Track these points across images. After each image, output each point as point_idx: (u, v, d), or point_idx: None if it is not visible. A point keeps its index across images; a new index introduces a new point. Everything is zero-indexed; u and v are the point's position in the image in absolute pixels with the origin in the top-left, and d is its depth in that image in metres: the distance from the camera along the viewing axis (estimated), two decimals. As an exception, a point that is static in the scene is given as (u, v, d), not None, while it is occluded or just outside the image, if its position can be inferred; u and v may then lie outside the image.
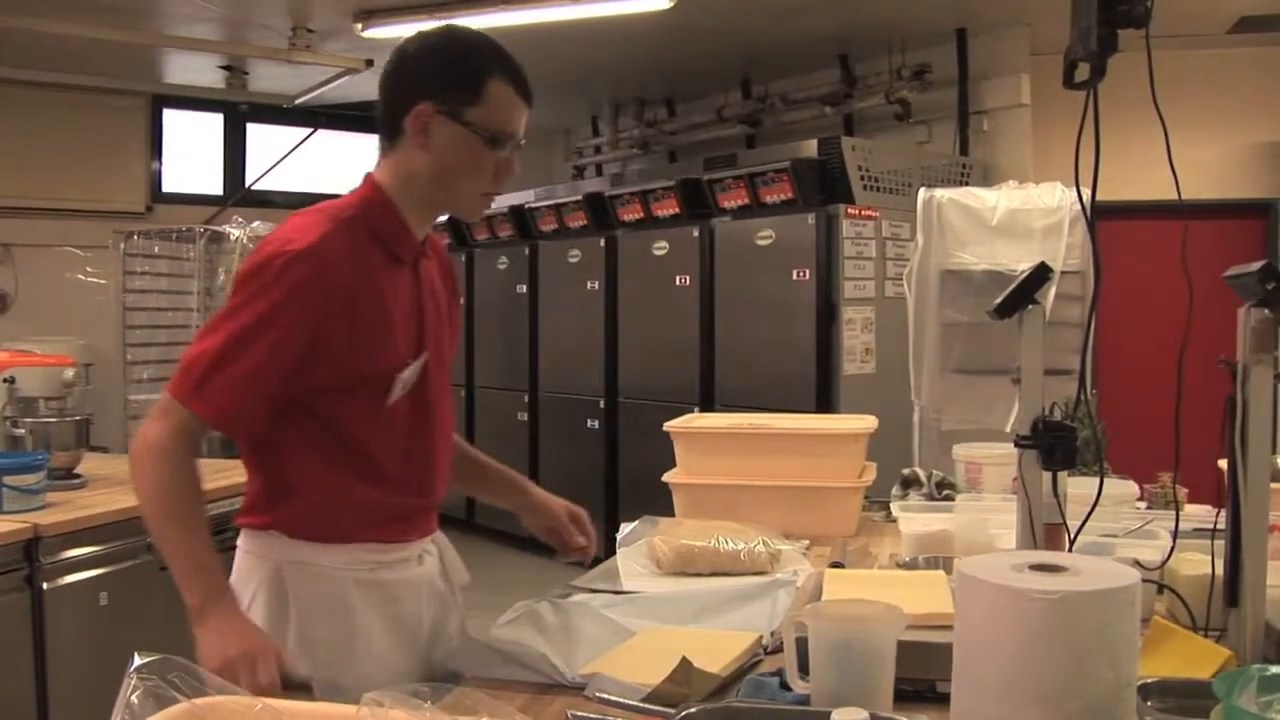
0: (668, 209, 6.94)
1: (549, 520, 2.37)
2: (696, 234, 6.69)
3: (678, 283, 6.79)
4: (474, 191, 2.00)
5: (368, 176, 2.04)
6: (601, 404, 7.38)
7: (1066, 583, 1.34)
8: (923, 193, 4.42)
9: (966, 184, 5.99)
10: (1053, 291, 3.66)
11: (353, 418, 1.95)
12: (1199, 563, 2.01)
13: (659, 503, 3.16)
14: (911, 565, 2.48)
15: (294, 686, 1.75)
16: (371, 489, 1.98)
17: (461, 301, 2.37)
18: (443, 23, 2.14)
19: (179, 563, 1.85)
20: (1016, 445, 2.02)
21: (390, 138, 1.99)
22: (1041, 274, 2.04)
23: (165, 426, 1.86)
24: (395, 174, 2.00)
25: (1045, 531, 2.03)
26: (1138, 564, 1.99)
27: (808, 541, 2.84)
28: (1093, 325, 2.26)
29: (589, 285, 7.48)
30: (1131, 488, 2.98)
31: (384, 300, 1.94)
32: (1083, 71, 1.88)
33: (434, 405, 2.07)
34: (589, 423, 7.46)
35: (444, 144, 1.93)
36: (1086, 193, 1.91)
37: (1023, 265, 2.20)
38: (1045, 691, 1.31)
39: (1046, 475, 2.03)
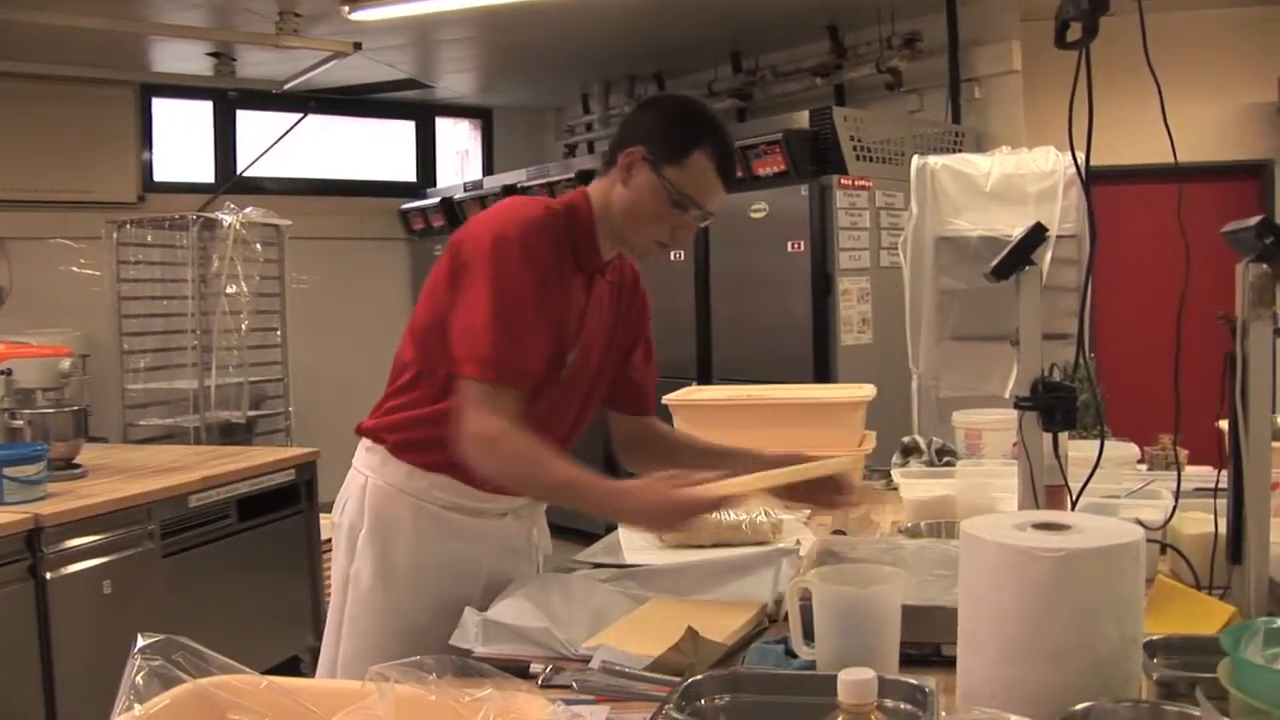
0: (660, 184, 6.91)
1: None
2: (690, 209, 6.67)
3: (672, 257, 6.77)
4: (649, 238, 2.19)
5: (581, 188, 2.24)
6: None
7: (1070, 540, 1.34)
8: (916, 160, 4.42)
9: (959, 152, 5.97)
10: (1049, 255, 3.67)
11: None
12: (1202, 521, 2.01)
13: (659, 477, 3.15)
14: (914, 531, 2.48)
15: None
16: None
17: (649, 311, 2.51)
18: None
19: (584, 502, 2.07)
20: (1016, 407, 2.02)
21: (608, 165, 2.20)
22: (1037, 234, 2.04)
23: (494, 412, 2.02)
24: (600, 195, 2.20)
25: (1047, 493, 2.03)
26: (1140, 524, 1.99)
27: (809, 511, 2.84)
28: (1089, 288, 2.26)
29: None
30: (1132, 450, 2.99)
31: (566, 286, 2.15)
32: (1074, 31, 1.88)
33: (573, 396, 2.26)
34: (587, 400, 7.45)
35: (639, 186, 2.13)
36: (1081, 155, 1.90)
37: (1018, 230, 2.19)
38: (1052, 650, 1.31)
39: (1047, 437, 2.03)
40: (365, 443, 2.29)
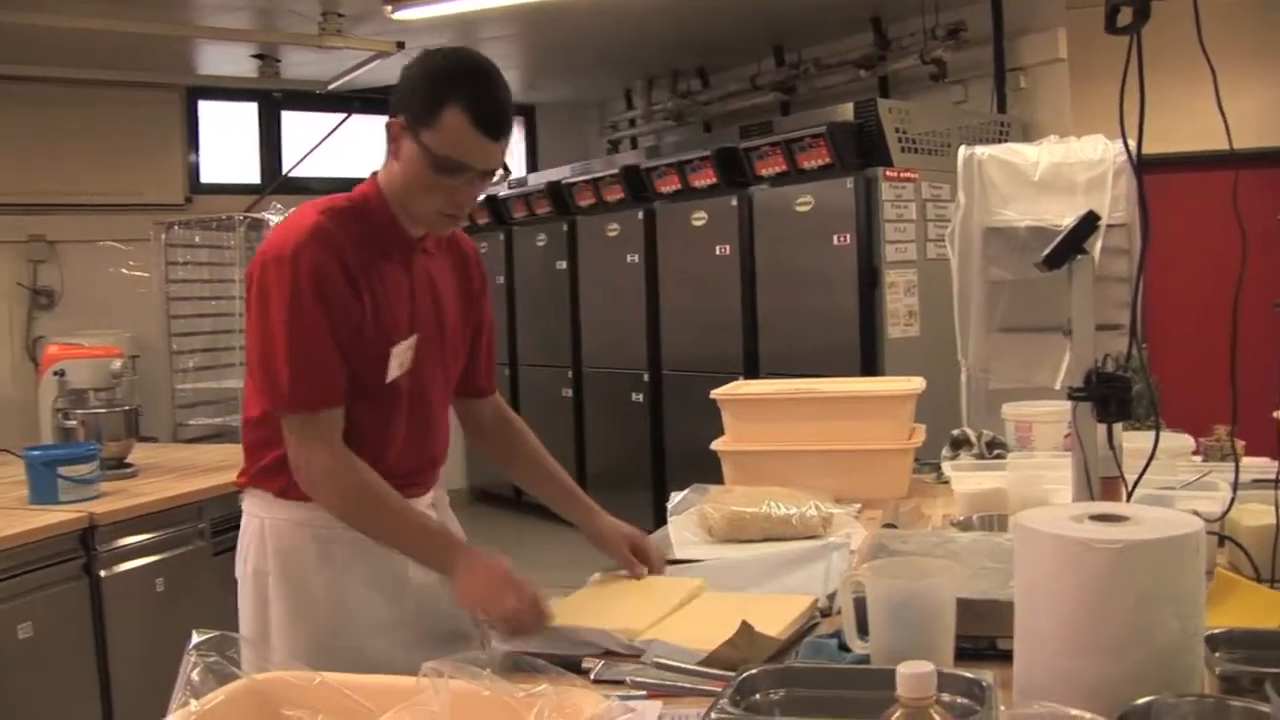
0: (705, 179, 6.91)
1: (610, 551, 2.32)
2: (735, 203, 6.65)
3: (718, 253, 6.76)
4: (430, 210, 2.07)
5: (373, 173, 2.14)
6: (645, 377, 7.37)
7: (1129, 532, 1.32)
8: (963, 150, 4.37)
9: (1005, 142, 5.92)
10: (1099, 245, 3.62)
11: (350, 394, 2.04)
12: (1261, 513, 1.98)
13: (706, 474, 3.15)
14: (966, 524, 2.46)
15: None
16: (365, 459, 2.05)
17: (488, 287, 2.42)
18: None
19: (407, 545, 2.05)
20: (1070, 398, 1.99)
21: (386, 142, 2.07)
22: (1090, 223, 2.02)
23: (310, 445, 2.00)
24: (385, 175, 2.11)
25: (1102, 485, 2.00)
26: (1197, 516, 1.96)
27: (859, 505, 2.83)
28: (1142, 277, 2.22)
29: (628, 259, 7.46)
30: (1187, 441, 2.94)
31: (374, 280, 2.04)
32: (1125, 16, 1.85)
33: (427, 386, 2.18)
34: (633, 396, 7.45)
35: (406, 158, 2.02)
36: (1133, 142, 1.88)
37: (1067, 220, 2.16)
38: (1110, 643, 1.29)
39: (1101, 428, 2.00)
40: (249, 490, 2.21)
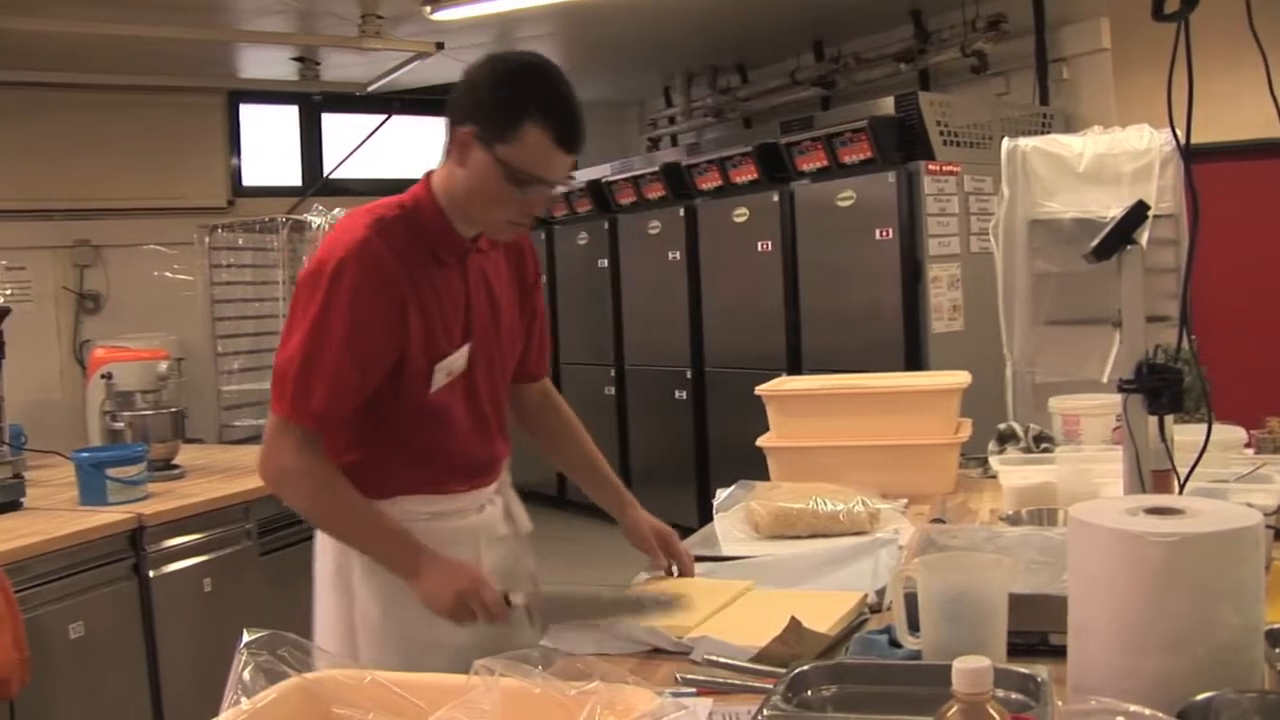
0: (746, 175, 6.89)
1: (639, 544, 2.35)
2: (776, 199, 6.63)
3: (759, 249, 6.74)
4: (499, 219, 2.06)
5: (426, 175, 2.13)
6: (688, 374, 7.36)
7: (1185, 525, 1.30)
8: (1006, 142, 4.34)
9: (1048, 134, 5.87)
10: (1145, 236, 3.58)
11: (398, 403, 2.08)
12: (1318, 505, 1.95)
13: (750, 471, 3.14)
14: (1015, 519, 2.43)
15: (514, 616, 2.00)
16: (416, 460, 2.13)
17: (540, 277, 2.42)
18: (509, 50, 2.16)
19: (373, 548, 2.07)
20: (1120, 390, 1.97)
21: (447, 147, 2.06)
22: (1139, 213, 1.99)
23: (287, 448, 2.03)
24: (442, 181, 2.08)
25: (1153, 478, 1.97)
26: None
27: (906, 500, 2.81)
28: (1191, 268, 2.19)
29: (670, 256, 7.45)
30: (1239, 433, 2.90)
31: (424, 294, 2.04)
32: (1173, 2, 1.82)
33: (482, 386, 2.19)
34: (676, 393, 7.44)
35: (476, 169, 1.99)
36: (1182, 131, 1.85)
37: (1112, 211, 2.14)
38: (1168, 638, 1.27)
39: (1152, 420, 1.98)
40: None
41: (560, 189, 2.10)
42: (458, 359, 2.11)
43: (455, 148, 2.01)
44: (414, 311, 2.02)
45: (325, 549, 2.20)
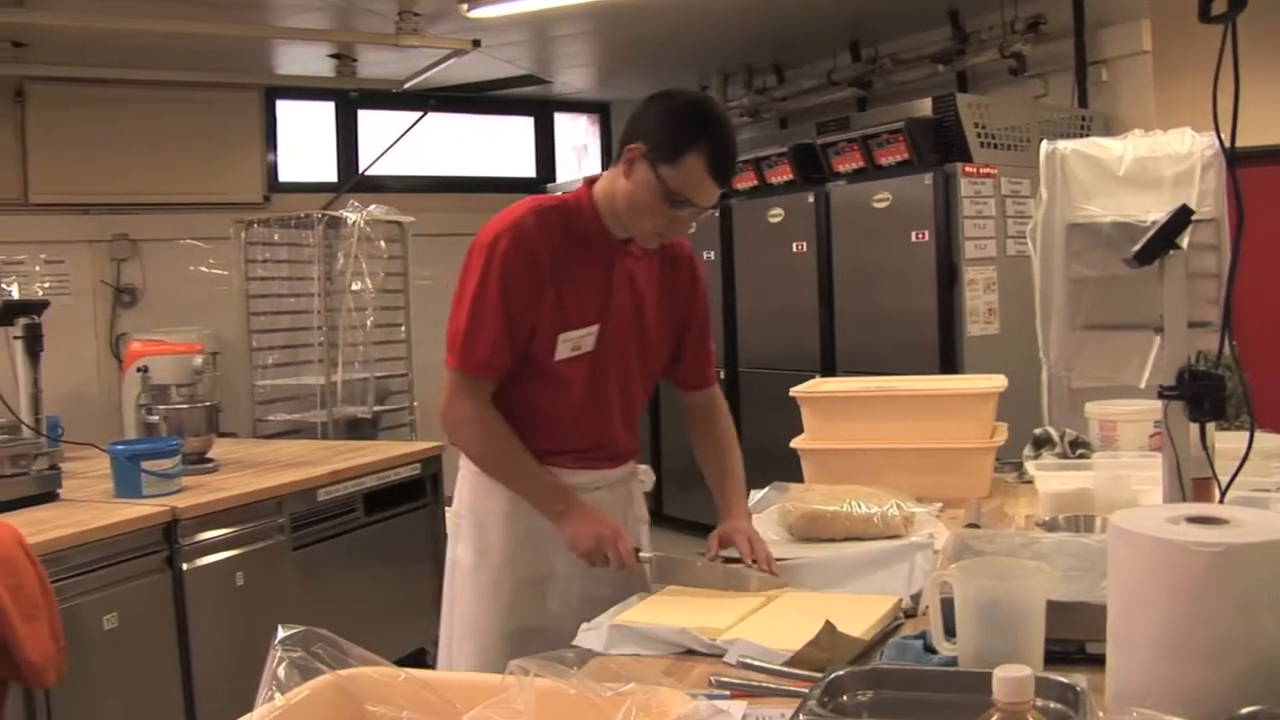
0: (781, 175, 6.86)
1: (725, 544, 2.42)
2: (811, 199, 6.61)
3: (794, 249, 6.72)
4: (648, 229, 2.32)
5: (589, 178, 2.41)
6: (722, 374, 7.34)
7: (1229, 535, 1.28)
8: (1045, 145, 4.30)
9: (1086, 137, 5.82)
10: (1186, 240, 3.54)
11: (527, 367, 2.33)
12: (1361, 515, 1.92)
13: (782, 472, 3.13)
14: (1052, 525, 2.41)
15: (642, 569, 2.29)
16: (530, 424, 2.37)
17: (700, 290, 2.62)
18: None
19: (532, 492, 2.36)
20: (1161, 396, 1.94)
21: (615, 158, 2.32)
22: (1183, 217, 1.97)
23: (459, 397, 2.32)
24: (606, 184, 2.35)
25: (1194, 486, 1.95)
26: (1294, 517, 1.91)
27: (941, 504, 2.79)
28: (1234, 273, 2.17)
29: (704, 255, 7.43)
30: None
31: (563, 272, 2.30)
32: (1220, 4, 1.80)
33: (608, 373, 2.41)
34: (709, 393, 7.41)
35: (638, 182, 2.26)
36: (1227, 134, 1.83)
37: (1153, 215, 2.12)
38: (1210, 648, 1.26)
39: (1193, 427, 1.95)
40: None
41: (707, 212, 2.40)
42: (585, 335, 2.35)
43: (623, 161, 2.27)
44: (551, 283, 2.29)
45: (458, 496, 2.51)
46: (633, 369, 2.47)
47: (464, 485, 2.51)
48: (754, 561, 2.26)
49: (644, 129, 2.27)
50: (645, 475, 2.69)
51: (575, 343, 2.34)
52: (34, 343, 3.83)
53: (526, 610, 2.38)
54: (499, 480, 2.39)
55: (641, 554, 2.29)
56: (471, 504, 2.47)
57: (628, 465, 2.58)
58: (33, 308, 3.89)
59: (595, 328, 2.35)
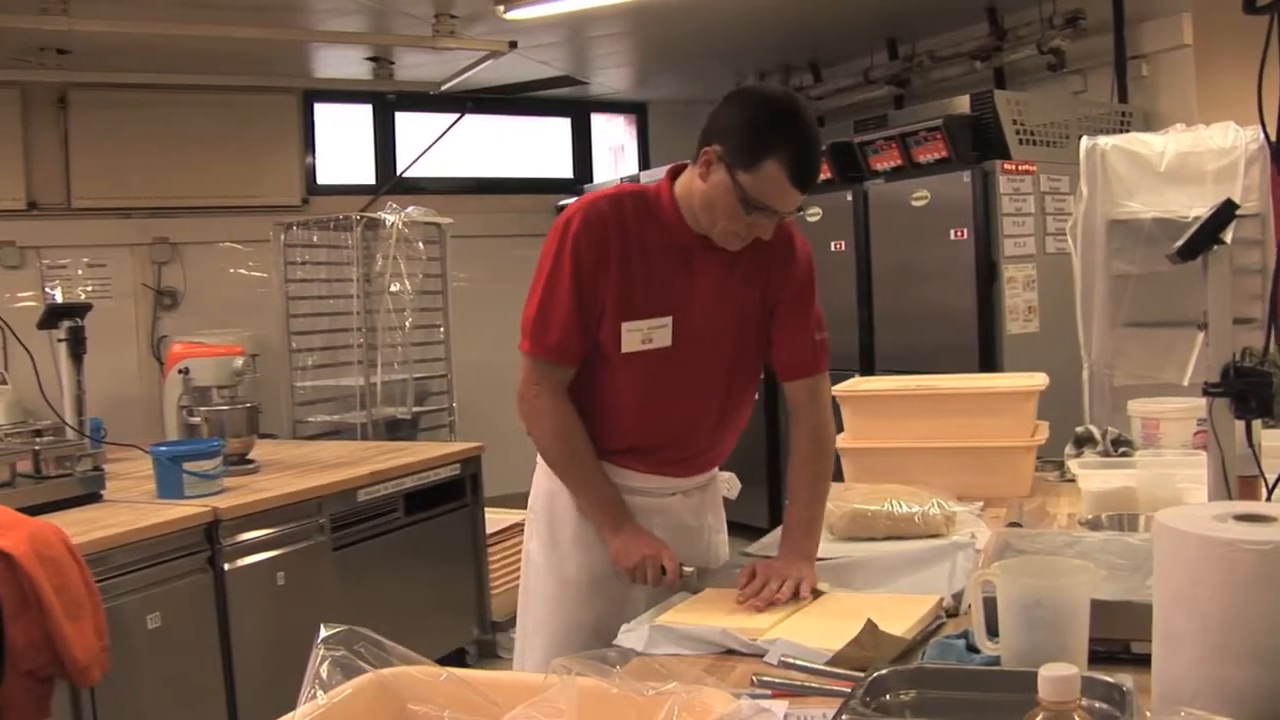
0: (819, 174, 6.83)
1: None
2: (850, 198, 6.58)
3: (833, 248, 6.69)
4: (725, 230, 2.22)
5: (671, 170, 2.35)
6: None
7: (1278, 532, 1.27)
8: (1085, 141, 4.28)
9: (1127, 133, 5.77)
10: (1230, 236, 3.51)
11: (598, 356, 2.29)
12: None
13: (823, 471, 3.11)
14: (1095, 524, 2.39)
15: (684, 583, 2.25)
16: (602, 426, 2.33)
17: (795, 276, 2.47)
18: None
19: (586, 496, 2.35)
20: (1206, 393, 1.92)
21: (696, 155, 2.23)
22: (1228, 211, 1.94)
23: (534, 384, 2.30)
24: (685, 182, 2.29)
25: (1240, 484, 1.93)
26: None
27: (982, 503, 2.77)
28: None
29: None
30: (1326, 438, 2.84)
31: (633, 257, 2.24)
32: (1265, -5, 1.78)
33: (677, 369, 2.31)
34: (746, 393, 7.40)
35: (715, 184, 2.17)
36: (1271, 129, 1.81)
37: (1195, 211, 2.10)
38: (1259, 648, 1.24)
39: (1239, 425, 1.93)
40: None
41: (788, 217, 2.25)
42: (657, 328, 2.27)
43: (702, 161, 2.19)
44: (618, 266, 2.23)
45: (533, 490, 2.49)
46: (721, 371, 2.38)
47: (538, 481, 2.48)
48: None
49: (721, 130, 2.17)
50: (729, 483, 2.64)
51: (645, 335, 2.27)
52: (77, 345, 3.87)
53: (596, 608, 2.33)
54: (561, 479, 2.37)
55: (685, 568, 2.27)
56: (544, 500, 2.45)
57: (707, 473, 2.52)
58: (76, 311, 3.93)
59: (667, 320, 2.27)
